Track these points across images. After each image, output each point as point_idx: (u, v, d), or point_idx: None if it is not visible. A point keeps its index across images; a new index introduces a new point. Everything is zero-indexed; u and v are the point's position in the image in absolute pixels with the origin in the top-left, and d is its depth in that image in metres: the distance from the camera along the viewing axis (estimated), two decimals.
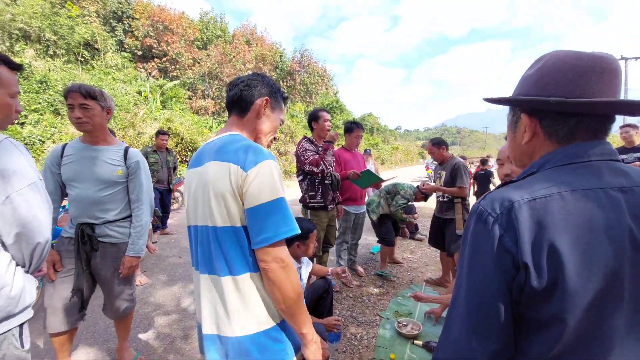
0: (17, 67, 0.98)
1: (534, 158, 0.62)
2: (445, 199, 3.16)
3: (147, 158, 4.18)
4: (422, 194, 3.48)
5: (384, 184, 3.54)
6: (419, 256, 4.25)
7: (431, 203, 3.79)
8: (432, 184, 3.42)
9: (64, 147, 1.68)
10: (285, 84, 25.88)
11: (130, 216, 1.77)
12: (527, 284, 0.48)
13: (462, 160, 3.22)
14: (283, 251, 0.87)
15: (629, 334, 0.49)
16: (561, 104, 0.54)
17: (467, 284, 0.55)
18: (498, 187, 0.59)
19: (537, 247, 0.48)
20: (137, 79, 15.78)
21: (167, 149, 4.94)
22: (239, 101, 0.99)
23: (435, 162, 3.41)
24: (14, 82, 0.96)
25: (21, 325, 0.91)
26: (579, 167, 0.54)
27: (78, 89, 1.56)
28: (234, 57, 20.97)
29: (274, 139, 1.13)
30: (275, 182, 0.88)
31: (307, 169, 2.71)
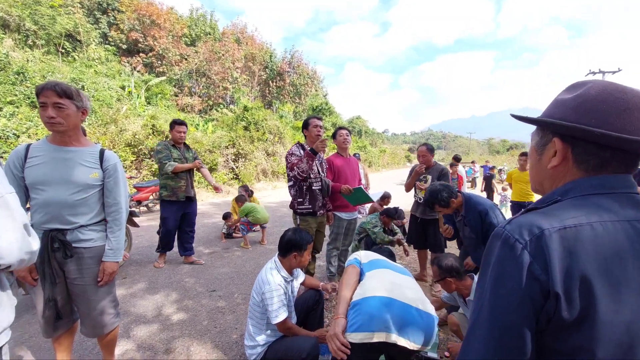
0: None
1: (556, 184, 0.61)
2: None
3: (157, 155, 3.61)
4: (387, 216, 3.84)
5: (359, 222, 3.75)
6: (407, 261, 4.25)
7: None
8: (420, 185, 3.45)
9: (27, 147, 1.55)
10: (274, 84, 25.69)
11: (103, 220, 1.68)
12: (556, 314, 0.47)
13: (445, 167, 3.47)
14: None
15: None
16: (606, 137, 0.52)
17: (490, 311, 0.53)
18: (523, 213, 0.58)
19: (568, 277, 0.47)
20: (121, 74, 15.25)
21: (185, 144, 3.83)
22: None
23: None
24: None
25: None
26: (604, 198, 0.53)
27: (53, 87, 1.44)
28: (223, 55, 20.63)
29: None
30: None
31: (288, 173, 2.75)
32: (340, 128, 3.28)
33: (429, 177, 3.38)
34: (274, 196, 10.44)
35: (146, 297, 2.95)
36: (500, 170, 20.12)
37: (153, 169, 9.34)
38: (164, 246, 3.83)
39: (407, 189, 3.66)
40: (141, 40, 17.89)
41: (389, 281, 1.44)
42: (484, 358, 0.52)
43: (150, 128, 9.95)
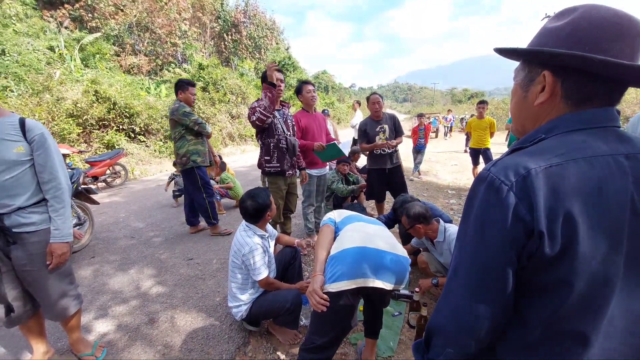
0: None
1: (540, 121, 0.59)
2: (392, 150, 3.48)
3: (188, 116, 3.22)
4: (340, 162, 3.92)
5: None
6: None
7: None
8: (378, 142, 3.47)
9: None
10: (230, 37, 23.43)
11: (44, 200, 1.51)
12: (538, 251, 0.49)
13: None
14: None
15: (621, 292, 0.52)
16: (606, 65, 0.49)
17: (473, 252, 0.55)
18: (508, 154, 0.57)
19: (552, 215, 0.48)
20: (46, 31, 12.95)
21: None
22: None
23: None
24: None
25: None
26: (589, 134, 0.53)
27: None
28: (166, 4, 18.08)
29: None
30: None
31: (252, 120, 2.59)
32: (305, 82, 3.11)
33: (386, 127, 3.44)
34: (243, 160, 10.14)
35: (119, 275, 2.87)
36: (462, 119, 20.96)
37: (105, 141, 8.53)
38: (214, 215, 3.64)
39: (367, 151, 3.62)
40: None
41: (363, 232, 1.51)
42: (466, 299, 0.55)
43: (94, 94, 8.84)
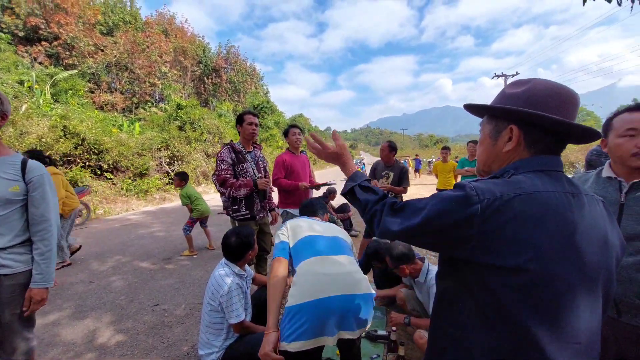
0: None
1: (504, 164, 0.74)
2: (391, 196, 3.54)
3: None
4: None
5: None
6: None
7: None
8: (378, 183, 3.66)
9: None
10: (210, 80, 24.27)
11: (27, 241, 1.45)
12: (474, 255, 0.63)
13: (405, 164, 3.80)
14: None
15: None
16: (559, 123, 0.65)
17: (429, 214, 0.67)
18: (483, 180, 0.69)
19: (515, 237, 0.59)
20: (18, 66, 12.72)
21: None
22: None
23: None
24: None
25: None
26: (545, 174, 0.67)
27: None
28: (148, 47, 18.67)
29: None
30: None
31: (217, 187, 2.61)
32: (292, 126, 3.30)
33: (392, 174, 3.60)
34: (217, 199, 9.91)
35: (74, 324, 2.58)
36: (429, 162, 22.42)
37: (67, 178, 8.06)
38: None
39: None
40: (43, 26, 15.11)
41: (322, 273, 1.37)
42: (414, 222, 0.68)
43: (62, 130, 8.53)
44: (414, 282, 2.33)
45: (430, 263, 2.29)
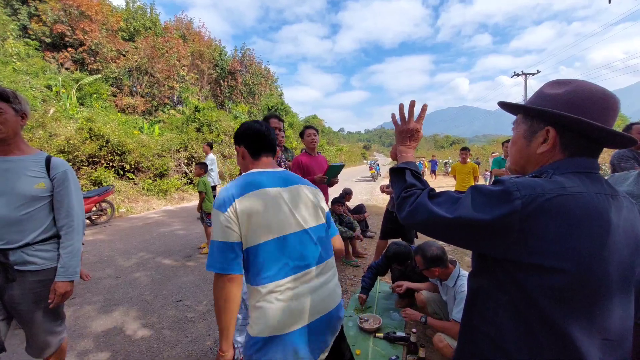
0: None
1: (540, 164, 0.73)
2: None
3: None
4: (334, 203, 4.25)
5: None
6: (371, 253, 4.48)
7: (381, 201, 4.02)
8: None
9: None
10: (226, 83, 24.74)
11: (55, 236, 1.52)
12: (511, 252, 0.63)
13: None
14: None
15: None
16: (599, 130, 0.64)
17: (467, 206, 0.67)
18: (523, 177, 0.69)
19: (557, 236, 0.59)
20: (46, 71, 13.40)
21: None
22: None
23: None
24: None
25: None
26: (583, 176, 0.67)
27: None
28: (167, 51, 19.24)
29: None
30: None
31: None
32: (307, 127, 3.32)
33: None
34: None
35: (102, 317, 2.71)
36: (445, 164, 21.96)
37: (92, 177, 8.42)
38: None
39: (386, 193, 3.81)
40: (69, 33, 15.85)
41: (296, 302, 1.10)
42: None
43: (87, 132, 8.93)
44: (441, 284, 2.29)
45: (462, 269, 2.22)
